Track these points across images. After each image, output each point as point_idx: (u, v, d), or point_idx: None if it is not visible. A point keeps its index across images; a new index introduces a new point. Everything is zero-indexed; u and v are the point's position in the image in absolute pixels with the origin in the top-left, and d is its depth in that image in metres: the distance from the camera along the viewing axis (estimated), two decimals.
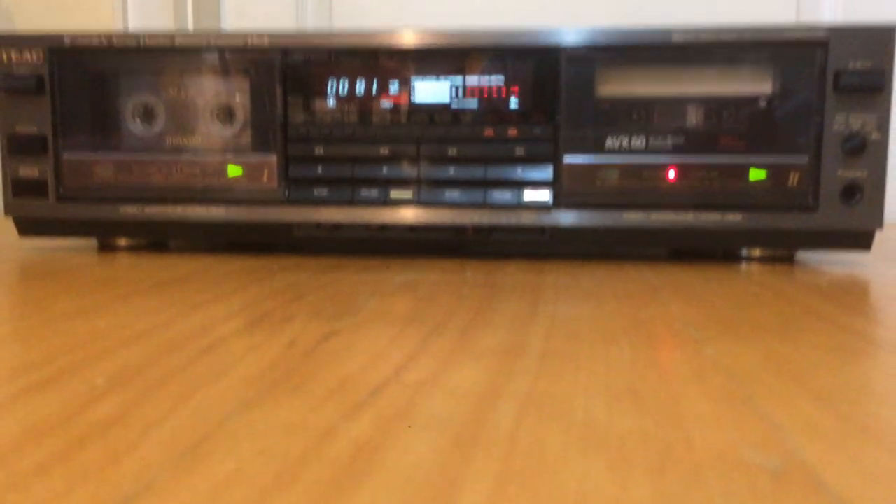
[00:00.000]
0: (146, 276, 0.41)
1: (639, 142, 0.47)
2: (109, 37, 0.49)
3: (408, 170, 0.48)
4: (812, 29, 0.45)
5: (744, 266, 0.47)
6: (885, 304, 0.38)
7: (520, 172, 0.47)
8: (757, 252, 0.49)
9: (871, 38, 0.45)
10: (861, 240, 0.47)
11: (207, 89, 0.49)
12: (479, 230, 0.48)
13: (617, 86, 0.47)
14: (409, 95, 0.48)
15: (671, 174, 0.46)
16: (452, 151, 0.48)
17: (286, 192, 0.49)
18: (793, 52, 0.46)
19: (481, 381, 0.23)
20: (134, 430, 0.18)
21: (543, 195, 0.47)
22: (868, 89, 0.45)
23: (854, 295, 0.39)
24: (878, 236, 0.47)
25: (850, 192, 0.46)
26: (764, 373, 0.24)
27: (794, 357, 0.26)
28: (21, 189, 0.50)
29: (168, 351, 0.26)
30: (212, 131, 0.49)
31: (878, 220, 0.46)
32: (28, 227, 0.52)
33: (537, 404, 0.20)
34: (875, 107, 0.45)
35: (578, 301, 0.36)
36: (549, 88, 0.47)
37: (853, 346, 0.28)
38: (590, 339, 0.28)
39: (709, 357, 0.26)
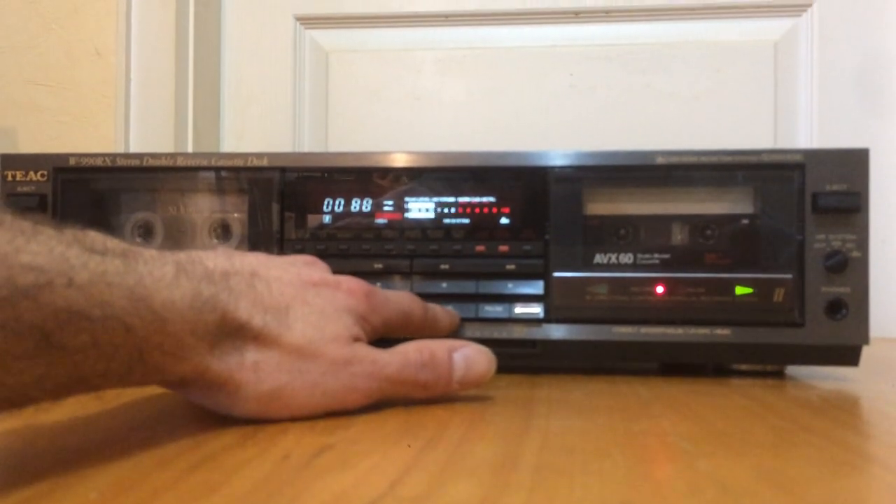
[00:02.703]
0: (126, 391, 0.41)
1: (627, 258, 0.48)
2: (114, 157, 0.51)
3: (401, 284, 0.49)
4: (788, 153, 0.47)
5: (734, 380, 0.47)
6: (876, 418, 0.39)
7: (511, 287, 0.48)
8: (746, 366, 0.50)
9: (846, 161, 0.47)
10: (848, 355, 0.47)
11: (205, 206, 0.51)
12: None
13: (604, 204, 0.49)
14: (403, 213, 0.49)
15: (659, 289, 0.47)
16: (444, 266, 0.49)
17: None
18: (771, 175, 0.48)
19: (476, 495, 0.22)
20: None
21: (534, 309, 0.48)
22: (845, 210, 0.46)
23: (844, 410, 0.39)
24: (866, 351, 0.47)
25: (835, 308, 0.46)
26: (758, 486, 0.24)
27: (788, 471, 0.26)
28: None
29: (160, 466, 0.26)
30: (207, 246, 0.50)
31: (863, 336, 0.46)
32: None
33: None
34: (854, 226, 0.47)
35: (571, 414, 0.36)
36: (538, 207, 0.49)
37: (846, 461, 0.28)
38: (583, 452, 0.28)
39: (702, 471, 0.26)
